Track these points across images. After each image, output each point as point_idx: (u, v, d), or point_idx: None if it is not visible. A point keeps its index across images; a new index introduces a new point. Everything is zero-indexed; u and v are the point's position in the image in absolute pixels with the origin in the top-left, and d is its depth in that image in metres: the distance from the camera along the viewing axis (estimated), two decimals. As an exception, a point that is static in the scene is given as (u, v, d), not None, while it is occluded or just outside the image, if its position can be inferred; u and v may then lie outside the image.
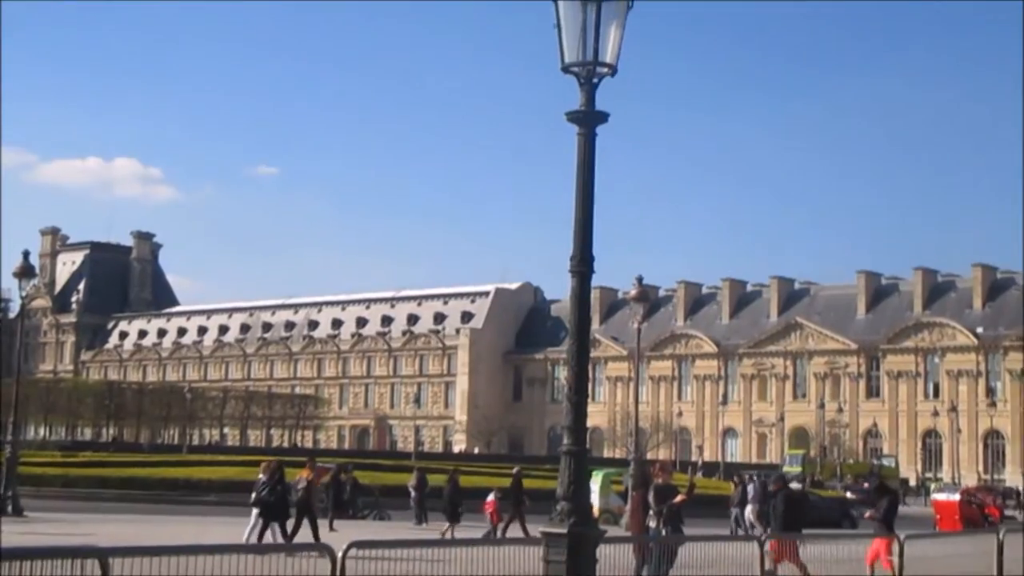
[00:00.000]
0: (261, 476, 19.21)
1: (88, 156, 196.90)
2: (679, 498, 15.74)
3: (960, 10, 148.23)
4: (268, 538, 17.50)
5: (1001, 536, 12.40)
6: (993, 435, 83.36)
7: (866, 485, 53.05)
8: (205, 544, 7.29)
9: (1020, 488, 68.61)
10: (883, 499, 16.11)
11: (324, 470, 26.11)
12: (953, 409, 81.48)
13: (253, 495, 18.91)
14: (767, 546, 10.15)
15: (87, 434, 79.47)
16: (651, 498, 15.77)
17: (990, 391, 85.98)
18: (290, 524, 18.36)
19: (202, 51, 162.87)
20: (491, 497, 22.65)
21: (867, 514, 18.00)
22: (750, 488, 27.14)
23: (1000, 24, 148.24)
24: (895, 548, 11.24)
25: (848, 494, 51.56)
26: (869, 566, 13.30)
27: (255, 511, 18.71)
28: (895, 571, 11.54)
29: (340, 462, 30.80)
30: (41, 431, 75.64)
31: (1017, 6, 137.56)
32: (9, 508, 27.34)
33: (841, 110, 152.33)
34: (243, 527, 17.54)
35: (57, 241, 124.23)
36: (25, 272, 31.75)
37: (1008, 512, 48.43)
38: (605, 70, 6.40)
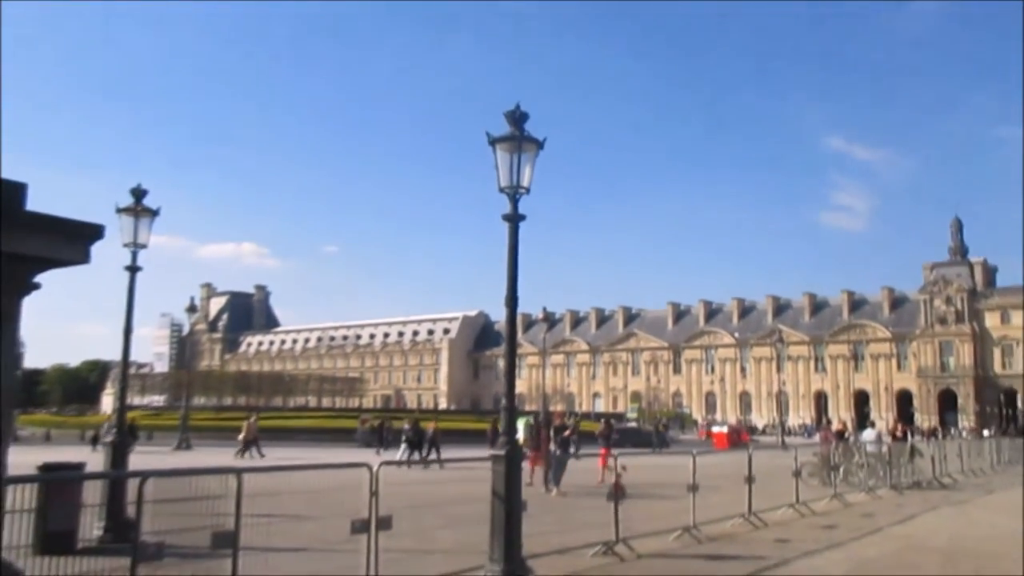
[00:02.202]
0: (406, 425, 30.57)
1: (226, 242, 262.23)
2: (567, 432, 21.44)
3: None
4: (414, 457, 27.77)
5: (750, 451, 15.84)
6: (745, 394, 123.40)
7: (663, 425, 66.95)
8: (299, 463, 9.22)
9: (760, 425, 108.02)
10: (608, 429, 23.97)
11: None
12: (722, 379, 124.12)
13: (404, 435, 29.45)
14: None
15: (228, 402, 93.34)
16: (552, 432, 21.15)
17: (743, 370, 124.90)
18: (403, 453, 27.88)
19: (289, 171, 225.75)
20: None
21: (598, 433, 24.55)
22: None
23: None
24: (610, 460, 12.73)
25: (662, 428, 60.75)
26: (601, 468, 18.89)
27: (404, 444, 29.46)
28: (608, 470, 14.12)
29: (414, 417, 36.36)
30: (202, 400, 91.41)
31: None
32: (184, 445, 38.50)
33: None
34: (322, 456, 20.59)
35: (210, 291, 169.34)
36: (192, 309, 48.04)
37: (754, 437, 66.69)
38: (523, 190, 8.95)
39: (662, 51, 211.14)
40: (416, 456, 28.91)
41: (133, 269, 12.20)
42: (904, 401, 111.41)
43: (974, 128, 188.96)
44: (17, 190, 2.41)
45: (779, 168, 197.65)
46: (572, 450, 21.25)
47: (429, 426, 32.29)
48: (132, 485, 8.09)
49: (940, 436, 67.46)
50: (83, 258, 2.50)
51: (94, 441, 40.31)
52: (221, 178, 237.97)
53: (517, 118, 9.09)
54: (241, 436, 34.64)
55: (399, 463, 20.41)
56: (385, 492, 8.41)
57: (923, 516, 16.54)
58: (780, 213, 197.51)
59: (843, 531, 13.96)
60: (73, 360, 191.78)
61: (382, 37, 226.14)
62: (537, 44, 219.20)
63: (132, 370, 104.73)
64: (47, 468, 10.89)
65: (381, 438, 38.86)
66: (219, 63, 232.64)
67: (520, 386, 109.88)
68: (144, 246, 12.23)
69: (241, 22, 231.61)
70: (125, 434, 12.81)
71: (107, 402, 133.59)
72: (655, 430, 55.35)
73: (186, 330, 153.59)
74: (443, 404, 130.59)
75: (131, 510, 8.01)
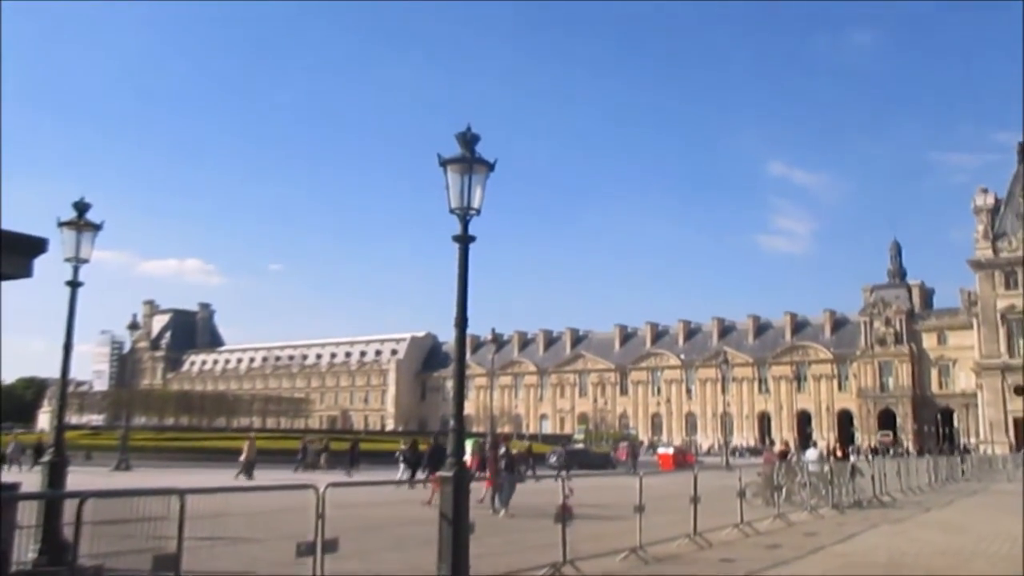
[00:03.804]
0: (402, 446, 30.10)
1: (169, 258, 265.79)
2: (508, 453, 22.02)
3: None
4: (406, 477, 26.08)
5: (696, 471, 16.17)
6: (690, 415, 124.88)
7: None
8: (244, 485, 12.55)
9: (705, 445, 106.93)
10: (432, 453, 24.88)
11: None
12: (668, 400, 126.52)
13: (401, 456, 29.11)
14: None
15: (169, 422, 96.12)
16: (500, 455, 21.28)
17: (688, 391, 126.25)
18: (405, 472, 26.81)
19: (236, 187, 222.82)
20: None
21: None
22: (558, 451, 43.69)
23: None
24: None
25: (611, 452, 61.61)
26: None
27: (402, 464, 28.85)
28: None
29: (412, 439, 33.49)
30: (143, 420, 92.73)
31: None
32: (124, 466, 37.52)
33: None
34: (263, 479, 24.55)
35: (153, 308, 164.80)
36: (134, 326, 49.94)
37: (699, 458, 64.80)
38: (474, 212, 8.98)
39: (610, 75, 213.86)
40: (419, 476, 28.44)
41: (74, 284, 11.95)
42: (845, 421, 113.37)
43: (907, 153, 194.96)
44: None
45: (723, 191, 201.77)
46: (529, 472, 21.27)
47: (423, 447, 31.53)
48: (70, 506, 7.88)
49: (891, 452, 69.03)
50: (25, 272, 2.46)
51: (1, 461, 39.90)
52: (166, 193, 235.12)
53: (468, 140, 9.12)
54: (242, 457, 34.36)
55: (398, 483, 20.26)
56: (332, 514, 8.28)
57: (864, 534, 16.78)
58: (725, 236, 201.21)
59: (787, 550, 14.12)
60: (8, 376, 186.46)
61: (332, 55, 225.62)
62: (487, 64, 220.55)
63: (71, 388, 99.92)
64: (-21, 489, 10.51)
65: (353, 459, 38.80)
66: (166, 77, 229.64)
67: (468, 407, 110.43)
68: (86, 261, 12.00)
69: (189, 36, 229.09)
70: (64, 453, 12.45)
71: (44, 420, 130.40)
72: (630, 450, 55.17)
73: (127, 348, 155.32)
74: (390, 425, 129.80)
75: (68, 532, 7.84)
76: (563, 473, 15.65)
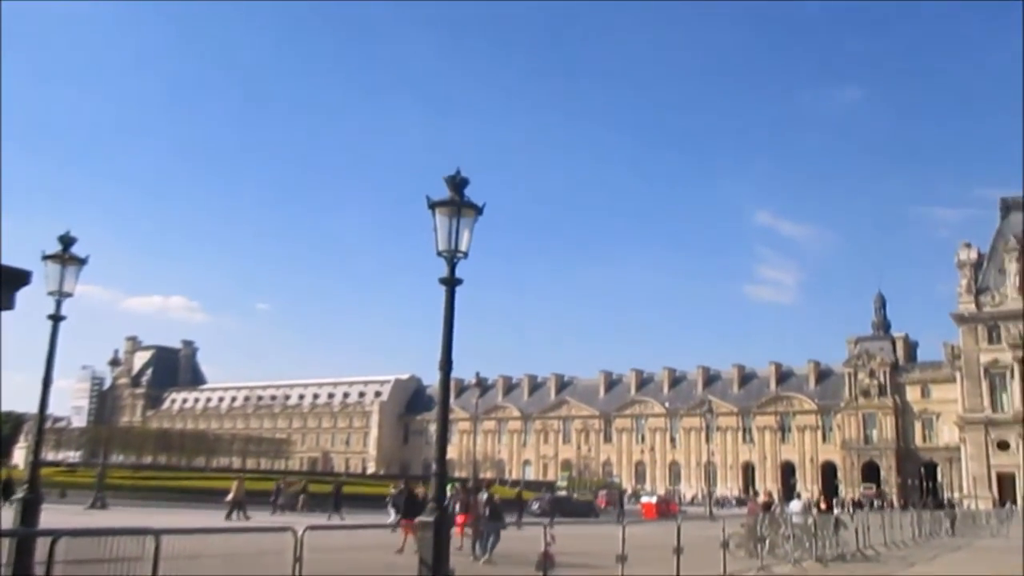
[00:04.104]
0: (392, 489, 29.16)
1: (154, 295, 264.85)
2: (498, 498, 22.17)
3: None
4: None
5: (679, 521, 16.49)
6: (674, 464, 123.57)
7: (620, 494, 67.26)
8: (221, 527, 10.46)
9: (689, 495, 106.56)
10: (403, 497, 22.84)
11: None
12: (652, 449, 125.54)
13: (390, 499, 27.30)
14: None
15: (148, 460, 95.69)
16: (484, 501, 20.87)
17: (673, 440, 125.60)
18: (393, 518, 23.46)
19: (222, 225, 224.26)
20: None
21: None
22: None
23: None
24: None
25: (600, 499, 63.60)
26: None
27: (392, 508, 26.65)
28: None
29: (405, 480, 35.42)
30: (120, 458, 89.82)
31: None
32: (99, 504, 36.73)
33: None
34: (243, 520, 25.88)
35: (135, 344, 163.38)
36: (115, 363, 48.70)
37: (683, 508, 63.75)
38: (461, 255, 8.98)
39: (597, 122, 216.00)
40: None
41: (56, 318, 11.86)
42: (829, 473, 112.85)
43: (892, 206, 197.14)
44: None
45: (710, 240, 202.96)
46: (515, 519, 20.95)
47: (420, 491, 31.20)
48: (43, 544, 7.75)
49: (875, 505, 68.29)
50: (7, 304, 2.43)
51: None
52: (153, 230, 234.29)
53: (457, 183, 9.15)
54: (229, 497, 33.76)
55: (393, 527, 19.75)
56: (309, 558, 8.15)
57: (847, 588, 16.62)
58: (711, 285, 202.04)
59: (770, 603, 13.95)
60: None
61: (320, 96, 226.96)
62: (477, 111, 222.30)
63: (48, 424, 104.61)
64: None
65: (337, 503, 37.34)
66: (153, 113, 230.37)
67: (451, 452, 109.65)
68: (70, 295, 11.93)
69: (176, 75, 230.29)
70: (38, 490, 12.23)
71: (19, 455, 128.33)
72: (618, 499, 54.97)
73: (108, 384, 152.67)
74: (372, 468, 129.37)
75: (40, 571, 7.74)
76: (547, 520, 15.52)
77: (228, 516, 32.22)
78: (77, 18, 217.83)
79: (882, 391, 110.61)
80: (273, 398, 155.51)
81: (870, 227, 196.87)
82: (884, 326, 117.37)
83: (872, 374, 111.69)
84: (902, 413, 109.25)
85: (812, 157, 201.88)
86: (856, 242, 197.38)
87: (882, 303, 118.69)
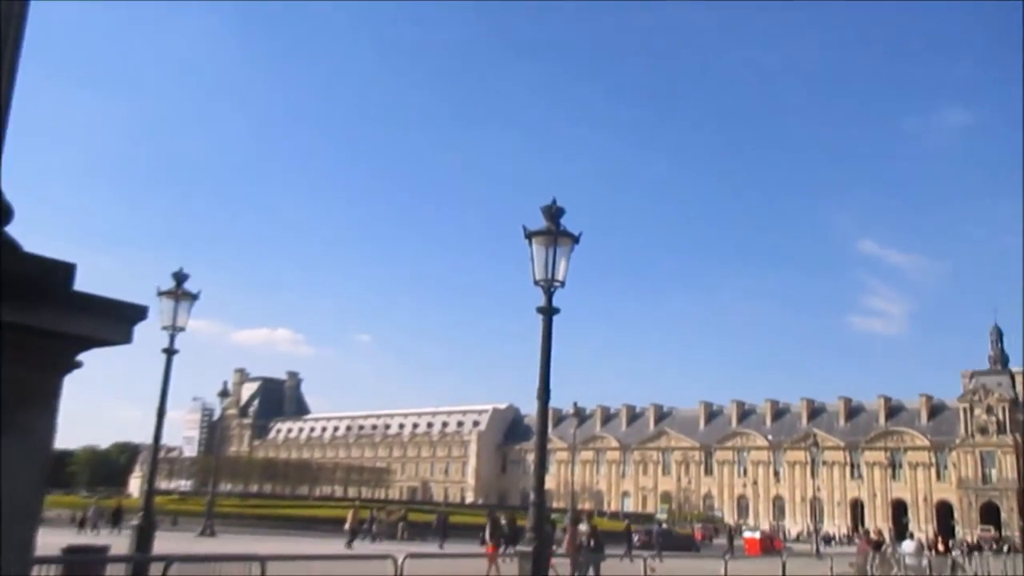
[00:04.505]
0: (503, 520, 28.98)
1: (261, 327, 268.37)
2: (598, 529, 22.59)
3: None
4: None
5: (784, 557, 17.86)
6: (778, 498, 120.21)
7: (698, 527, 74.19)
8: (323, 553, 10.37)
9: (794, 531, 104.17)
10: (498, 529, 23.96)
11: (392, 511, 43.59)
12: (755, 482, 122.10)
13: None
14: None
15: (254, 489, 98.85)
16: (587, 531, 21.27)
17: (776, 473, 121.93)
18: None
19: (325, 258, 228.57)
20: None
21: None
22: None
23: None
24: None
25: (695, 532, 66.00)
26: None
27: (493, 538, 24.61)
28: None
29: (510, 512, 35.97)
30: (229, 486, 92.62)
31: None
32: (209, 531, 38.28)
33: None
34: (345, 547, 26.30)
35: (243, 376, 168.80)
36: (224, 394, 50.07)
37: (788, 544, 63.74)
38: (558, 284, 9.06)
39: (695, 150, 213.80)
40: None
41: (170, 352, 12.35)
42: (944, 513, 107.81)
43: (1006, 235, 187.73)
44: (67, 270, 2.48)
45: (812, 270, 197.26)
46: (624, 551, 20.65)
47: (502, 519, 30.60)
48: (156, 569, 8.04)
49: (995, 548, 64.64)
50: (127, 339, 2.56)
51: (81, 524, 42.02)
52: (259, 264, 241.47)
53: (553, 213, 9.20)
54: (347, 525, 34.98)
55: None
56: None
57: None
58: (813, 315, 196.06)
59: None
60: (103, 442, 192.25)
61: (420, 126, 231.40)
62: (573, 137, 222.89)
63: (161, 453, 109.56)
64: (71, 550, 10.80)
65: (444, 532, 37.48)
66: (255, 150, 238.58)
67: (549, 482, 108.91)
68: (183, 329, 12.41)
69: (283, 108, 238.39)
70: (152, 518, 12.69)
71: (135, 485, 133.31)
72: (728, 534, 54.69)
73: (217, 415, 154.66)
74: (470, 498, 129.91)
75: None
76: (647, 553, 15.25)
77: (349, 544, 32.53)
78: (182, 61, 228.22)
79: (1001, 428, 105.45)
80: (374, 427, 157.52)
81: (983, 256, 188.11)
82: (1002, 360, 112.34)
83: (990, 410, 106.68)
84: (1023, 452, 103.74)
85: (918, 184, 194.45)
86: (968, 272, 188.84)
87: (999, 336, 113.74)
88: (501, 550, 24.48)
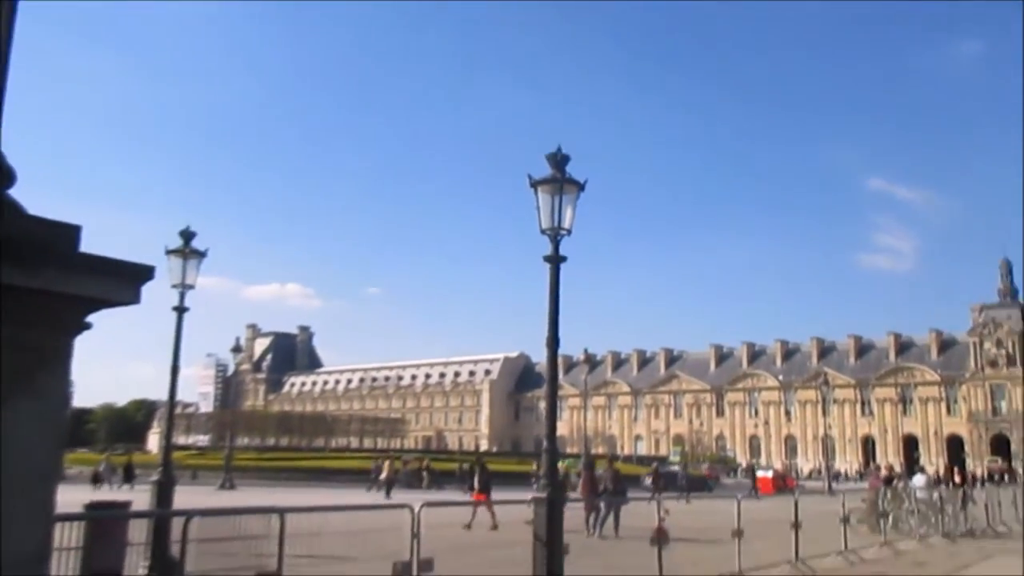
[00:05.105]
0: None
1: (272, 283, 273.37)
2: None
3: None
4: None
5: (796, 495, 16.96)
6: (790, 438, 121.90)
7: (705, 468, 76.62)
8: (341, 504, 9.60)
9: (806, 469, 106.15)
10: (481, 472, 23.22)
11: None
12: (766, 423, 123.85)
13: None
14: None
15: (271, 442, 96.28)
16: (599, 476, 20.85)
17: (788, 413, 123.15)
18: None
19: (333, 211, 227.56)
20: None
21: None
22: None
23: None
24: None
25: (706, 472, 66.48)
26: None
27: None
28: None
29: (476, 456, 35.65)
30: (245, 440, 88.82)
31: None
32: (228, 485, 38.97)
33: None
34: (363, 496, 25.88)
35: (255, 331, 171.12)
36: (237, 349, 58.31)
37: (800, 482, 65.16)
38: (564, 232, 8.99)
39: (700, 93, 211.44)
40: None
41: (180, 310, 12.41)
42: (955, 446, 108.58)
43: (1014, 166, 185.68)
44: (72, 232, 2.47)
45: (820, 210, 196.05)
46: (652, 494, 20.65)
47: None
48: (177, 524, 8.14)
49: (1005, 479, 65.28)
50: (134, 299, 2.56)
51: (95, 480, 41.27)
52: (268, 219, 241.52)
53: (558, 160, 9.12)
54: (382, 476, 35.50)
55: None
56: (426, 534, 8.35)
57: (978, 565, 16.02)
58: (822, 255, 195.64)
59: (894, 580, 13.58)
60: (121, 400, 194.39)
61: (425, 76, 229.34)
62: (577, 83, 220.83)
63: (178, 410, 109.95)
64: (94, 506, 10.97)
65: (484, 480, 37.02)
66: (262, 106, 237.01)
67: (561, 428, 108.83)
68: (192, 287, 12.46)
69: (290, 63, 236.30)
70: (171, 473, 12.86)
71: (153, 441, 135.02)
72: (751, 474, 55.32)
73: (231, 370, 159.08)
74: (484, 446, 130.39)
75: (176, 549, 8.06)
76: (675, 495, 15.45)
77: (387, 494, 32.56)
78: (186, 16, 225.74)
79: (1011, 361, 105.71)
80: (387, 379, 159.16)
81: (993, 189, 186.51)
82: (1011, 293, 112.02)
83: (999, 343, 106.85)
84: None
85: (928, 118, 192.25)
86: (978, 206, 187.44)
87: (1008, 269, 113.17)
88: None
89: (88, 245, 2.49)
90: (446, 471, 42.21)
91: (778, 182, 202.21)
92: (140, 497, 12.48)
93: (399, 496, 28.79)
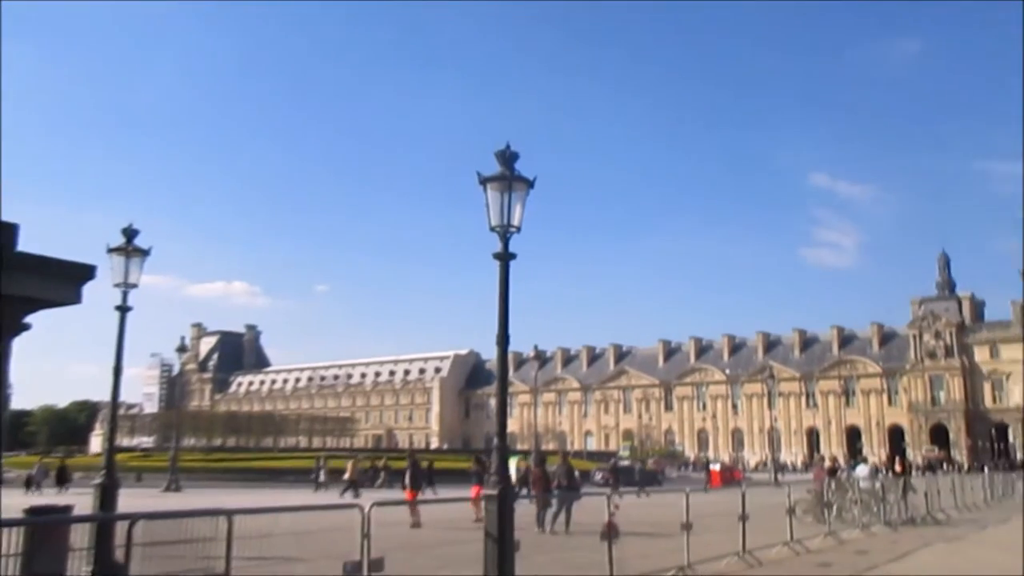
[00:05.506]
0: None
1: (217, 280, 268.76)
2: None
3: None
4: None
5: (743, 488, 16.96)
6: (737, 431, 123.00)
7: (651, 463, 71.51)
8: (290, 505, 9.31)
9: (753, 461, 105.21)
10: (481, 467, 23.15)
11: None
12: (714, 416, 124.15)
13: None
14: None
15: (218, 443, 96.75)
16: (562, 472, 20.62)
17: (735, 406, 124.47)
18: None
19: (280, 209, 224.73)
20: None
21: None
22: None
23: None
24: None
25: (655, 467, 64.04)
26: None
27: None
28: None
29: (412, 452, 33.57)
30: (192, 441, 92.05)
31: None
32: (174, 487, 38.76)
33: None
34: (312, 497, 26.73)
35: (200, 330, 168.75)
36: (182, 349, 49.21)
37: (747, 475, 66.01)
38: (514, 229, 9.02)
39: (647, 87, 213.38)
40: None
41: (123, 309, 12.16)
42: (896, 436, 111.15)
43: (956, 163, 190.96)
44: (9, 231, 2.40)
45: (765, 205, 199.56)
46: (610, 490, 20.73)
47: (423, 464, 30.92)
48: (121, 528, 7.97)
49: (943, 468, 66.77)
50: (75, 298, 2.50)
51: (27, 484, 39.29)
52: (212, 217, 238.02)
53: (507, 157, 9.10)
54: (345, 476, 34.84)
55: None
56: (377, 534, 8.27)
57: (918, 553, 16.40)
58: (768, 250, 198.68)
59: (838, 568, 13.88)
60: (62, 401, 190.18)
61: (373, 77, 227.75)
62: (525, 78, 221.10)
63: (121, 411, 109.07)
64: (34, 511, 10.69)
65: (430, 479, 33.79)
66: (202, 100, 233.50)
67: (512, 425, 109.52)
68: (135, 286, 12.21)
69: (234, 56, 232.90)
70: (115, 476, 12.61)
71: (96, 443, 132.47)
72: (705, 467, 56.73)
73: (176, 370, 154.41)
74: (435, 443, 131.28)
75: (120, 553, 7.90)
76: (631, 490, 15.50)
77: (356, 495, 31.34)
78: (130, 12, 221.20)
79: (949, 352, 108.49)
80: (336, 377, 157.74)
81: (931, 185, 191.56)
82: (949, 286, 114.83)
83: (938, 335, 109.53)
84: (970, 374, 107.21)
85: (867, 115, 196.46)
86: (917, 201, 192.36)
87: (946, 263, 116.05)
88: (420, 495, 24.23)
89: (27, 244, 2.43)
90: (400, 470, 41.74)
91: (725, 179, 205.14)
92: (76, 500, 12.20)
93: (356, 498, 28.50)
